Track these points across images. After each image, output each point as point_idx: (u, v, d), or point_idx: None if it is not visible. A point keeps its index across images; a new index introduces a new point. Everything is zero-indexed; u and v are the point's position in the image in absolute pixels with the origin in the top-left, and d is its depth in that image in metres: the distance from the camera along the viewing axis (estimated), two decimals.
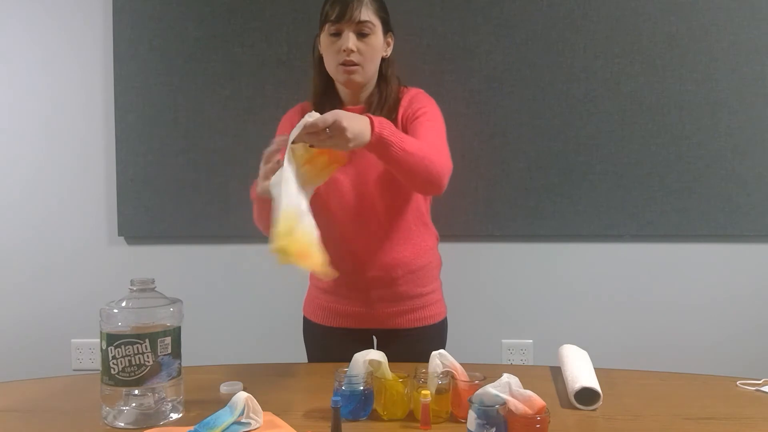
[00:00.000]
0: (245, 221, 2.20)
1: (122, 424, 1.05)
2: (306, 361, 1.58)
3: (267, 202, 1.18)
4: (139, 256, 2.29)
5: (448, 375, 1.08)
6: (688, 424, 1.07)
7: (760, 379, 1.27)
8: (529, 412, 0.92)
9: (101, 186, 2.27)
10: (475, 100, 2.15)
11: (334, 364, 1.29)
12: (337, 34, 1.36)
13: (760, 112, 2.14)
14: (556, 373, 1.31)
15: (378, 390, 1.09)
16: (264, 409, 1.06)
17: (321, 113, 1.13)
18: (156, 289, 1.10)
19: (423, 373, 1.10)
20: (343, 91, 1.46)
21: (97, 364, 1.07)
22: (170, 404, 1.08)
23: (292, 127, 1.17)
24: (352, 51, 1.35)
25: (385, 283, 1.47)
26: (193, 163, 2.21)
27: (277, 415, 1.09)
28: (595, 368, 1.23)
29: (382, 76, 1.46)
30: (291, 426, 1.04)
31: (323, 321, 1.52)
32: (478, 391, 0.95)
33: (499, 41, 2.16)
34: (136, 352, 1.03)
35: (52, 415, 1.12)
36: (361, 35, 1.36)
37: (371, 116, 1.20)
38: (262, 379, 1.30)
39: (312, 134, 1.12)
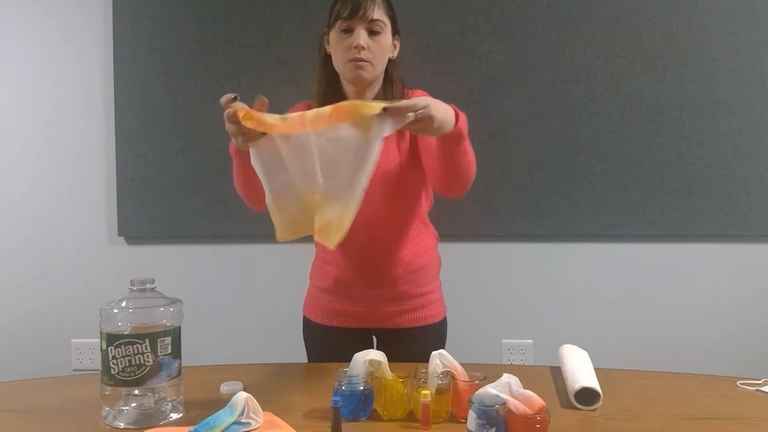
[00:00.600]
0: (245, 221, 2.22)
1: (122, 424, 1.05)
2: (306, 360, 1.57)
3: (247, 160, 1.15)
4: (139, 256, 2.29)
5: (448, 375, 1.08)
6: (688, 424, 1.07)
7: (760, 379, 1.27)
8: (529, 412, 0.92)
9: (101, 186, 2.27)
10: (475, 100, 2.16)
11: (334, 364, 1.29)
12: (348, 31, 1.37)
13: (760, 112, 2.15)
14: (556, 373, 1.31)
15: (378, 390, 1.09)
16: (264, 409, 1.06)
17: None
18: (156, 289, 1.10)
19: (423, 373, 1.10)
20: (348, 89, 1.46)
21: (97, 364, 1.07)
22: (170, 404, 1.08)
23: None
24: (363, 48, 1.35)
25: (385, 282, 1.47)
26: (193, 163, 2.22)
27: (277, 415, 1.08)
28: (595, 368, 1.23)
29: (388, 77, 1.47)
30: (291, 426, 1.04)
31: (323, 320, 1.52)
32: (478, 391, 0.95)
33: (499, 41, 2.16)
34: (136, 352, 1.03)
35: (52, 415, 1.12)
36: (372, 33, 1.37)
37: (455, 108, 1.21)
38: (262, 379, 1.30)
39: (397, 116, 1.09)
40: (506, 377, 0.95)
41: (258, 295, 2.28)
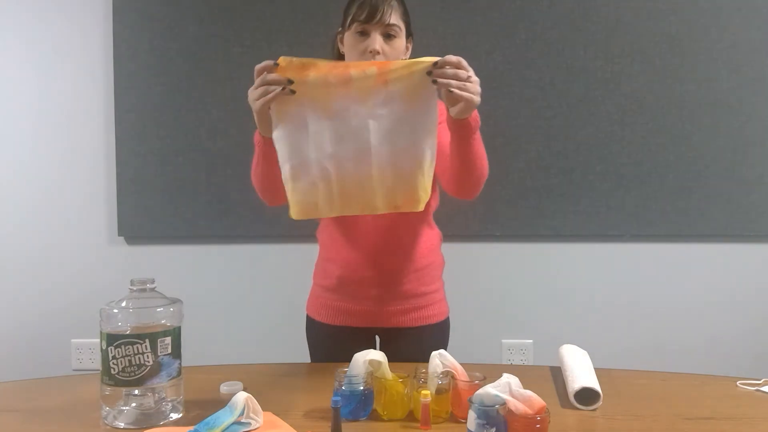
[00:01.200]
0: (245, 221, 2.22)
1: (122, 424, 1.05)
2: (307, 360, 1.57)
3: (268, 156, 1.20)
4: (139, 256, 2.29)
5: (448, 375, 1.08)
6: (688, 424, 1.07)
7: (760, 379, 1.27)
8: (529, 412, 0.92)
9: (101, 186, 2.27)
10: None
11: (334, 364, 1.29)
12: (364, 34, 1.37)
13: (760, 112, 2.15)
14: (556, 373, 1.31)
15: (378, 390, 1.09)
16: (264, 409, 1.06)
17: None
18: (156, 289, 1.10)
19: (423, 373, 1.10)
20: None
21: (97, 364, 1.07)
22: (170, 404, 1.08)
23: None
24: (378, 53, 1.36)
25: (389, 281, 1.47)
26: (193, 163, 2.21)
27: (277, 415, 1.08)
28: (595, 368, 1.23)
29: None
30: (291, 426, 1.04)
31: (326, 319, 1.52)
32: (478, 391, 0.95)
33: (499, 41, 2.16)
34: (136, 352, 1.03)
35: (52, 415, 1.12)
36: (387, 37, 1.37)
37: None
38: (262, 379, 1.29)
39: (455, 73, 1.16)
40: (506, 377, 0.95)
41: (257, 295, 2.28)
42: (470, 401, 0.94)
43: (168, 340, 1.06)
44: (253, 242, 2.25)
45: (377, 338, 1.55)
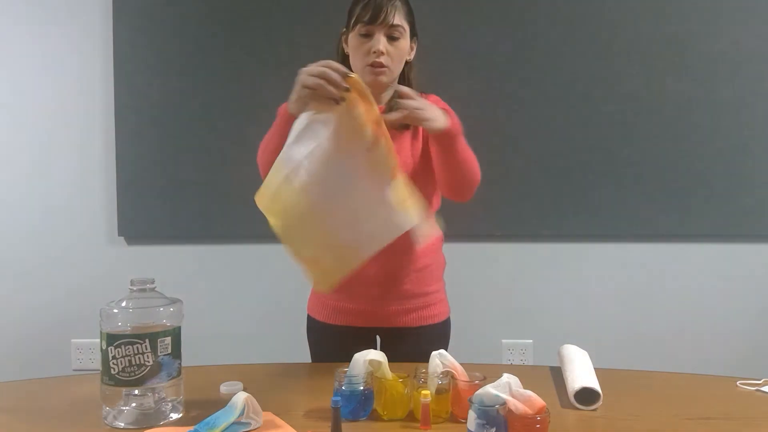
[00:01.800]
0: (245, 221, 2.21)
1: (122, 424, 1.05)
2: (307, 360, 1.57)
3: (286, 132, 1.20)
4: (139, 256, 2.29)
5: (448, 375, 1.08)
6: (688, 424, 1.07)
7: (760, 379, 1.27)
8: (529, 412, 0.92)
9: (101, 186, 2.27)
10: (475, 100, 2.16)
11: (334, 364, 1.29)
12: (368, 35, 1.37)
13: (760, 112, 2.15)
14: (556, 373, 1.31)
15: (378, 390, 1.09)
16: (264, 409, 1.06)
17: None
18: (156, 289, 1.10)
19: (423, 373, 1.10)
20: None
21: (97, 364, 1.07)
22: (170, 404, 1.08)
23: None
24: (382, 54, 1.36)
25: (390, 281, 1.47)
26: (193, 163, 2.22)
27: (277, 415, 1.08)
28: (595, 368, 1.23)
29: (404, 78, 1.47)
30: (291, 426, 1.04)
31: (327, 319, 1.53)
32: (478, 391, 0.95)
33: (499, 41, 2.16)
34: (136, 352, 1.03)
35: (52, 415, 1.12)
36: (391, 38, 1.37)
37: (450, 112, 1.30)
38: (262, 379, 1.29)
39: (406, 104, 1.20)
40: (506, 377, 0.95)
41: (257, 295, 2.28)
42: (470, 401, 0.94)
43: (168, 340, 1.06)
44: (253, 242, 2.25)
45: (378, 338, 1.55)
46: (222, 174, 2.20)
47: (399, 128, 1.43)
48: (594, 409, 1.12)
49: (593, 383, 1.14)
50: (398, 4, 1.37)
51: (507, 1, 2.15)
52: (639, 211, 2.18)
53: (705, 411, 1.13)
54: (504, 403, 0.92)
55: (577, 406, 1.13)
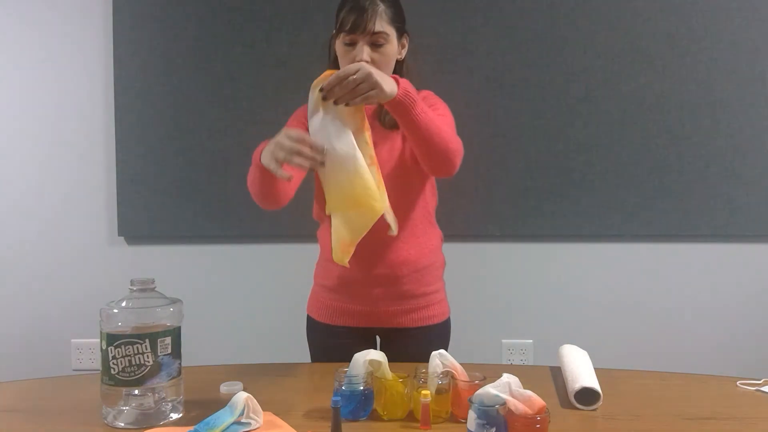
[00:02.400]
0: (245, 221, 2.22)
1: (122, 424, 1.05)
2: (308, 360, 1.57)
3: (269, 174, 1.22)
4: (139, 256, 2.29)
5: (448, 375, 1.08)
6: (688, 424, 1.07)
7: (760, 379, 1.27)
8: (529, 412, 0.92)
9: (101, 186, 2.27)
10: (475, 100, 2.16)
11: (334, 364, 1.29)
12: (351, 44, 1.37)
13: (760, 112, 2.15)
14: (556, 373, 1.31)
15: (378, 390, 1.09)
16: (264, 409, 1.06)
17: None
18: (156, 289, 1.10)
19: (423, 373, 1.10)
20: None
21: (97, 364, 1.07)
22: (170, 404, 1.08)
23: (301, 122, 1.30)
24: (367, 62, 1.35)
25: (390, 281, 1.47)
26: (193, 163, 2.22)
27: (277, 415, 1.09)
28: (595, 368, 1.23)
29: (399, 76, 1.47)
30: (291, 426, 1.04)
31: (327, 319, 1.53)
32: (478, 391, 0.95)
33: (499, 41, 2.16)
34: (136, 352, 1.03)
35: (52, 415, 1.12)
36: (376, 45, 1.36)
37: (395, 77, 1.26)
38: (262, 379, 1.30)
39: (343, 86, 1.19)
40: (506, 377, 0.95)
41: (257, 295, 2.28)
42: (470, 401, 0.94)
43: (168, 340, 1.07)
44: (253, 242, 2.25)
45: (377, 338, 1.55)
46: (222, 174, 2.20)
47: (390, 127, 1.43)
48: (594, 409, 1.12)
49: (593, 383, 1.14)
50: (381, 9, 1.35)
51: (507, 1, 2.15)
52: (639, 211, 2.18)
53: (705, 411, 1.13)
54: (504, 403, 0.92)
55: (577, 406, 1.13)
